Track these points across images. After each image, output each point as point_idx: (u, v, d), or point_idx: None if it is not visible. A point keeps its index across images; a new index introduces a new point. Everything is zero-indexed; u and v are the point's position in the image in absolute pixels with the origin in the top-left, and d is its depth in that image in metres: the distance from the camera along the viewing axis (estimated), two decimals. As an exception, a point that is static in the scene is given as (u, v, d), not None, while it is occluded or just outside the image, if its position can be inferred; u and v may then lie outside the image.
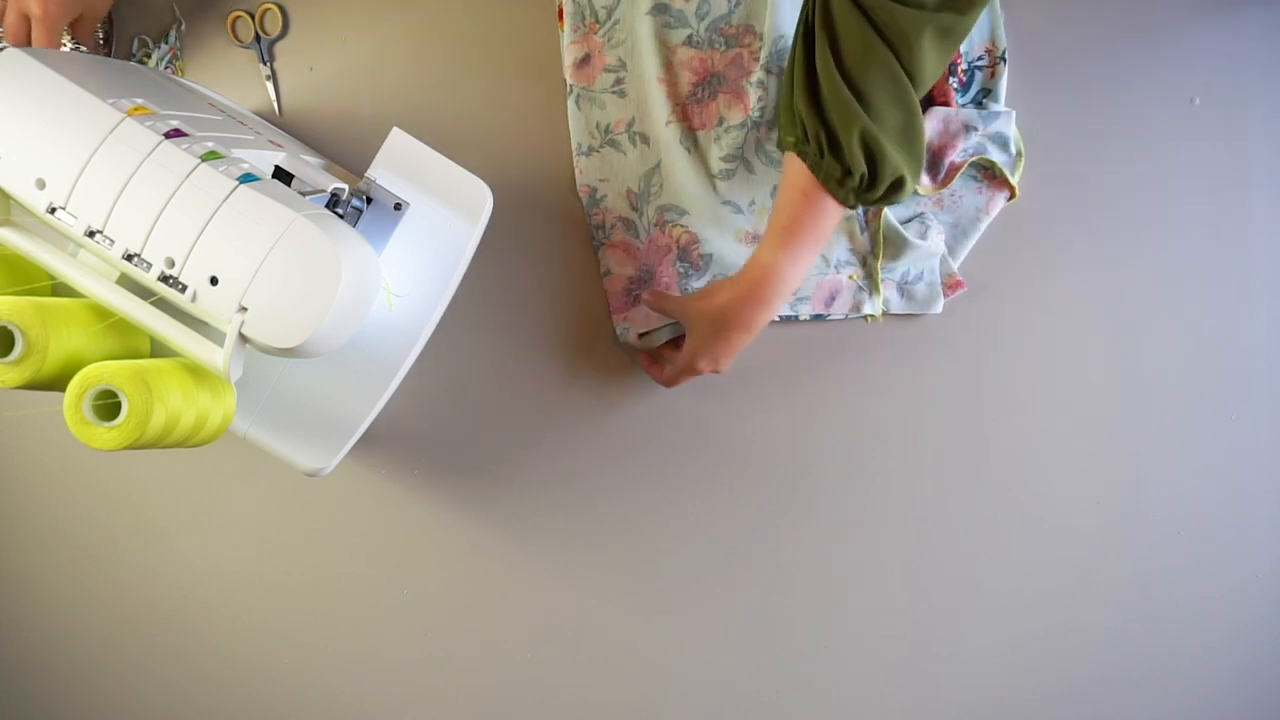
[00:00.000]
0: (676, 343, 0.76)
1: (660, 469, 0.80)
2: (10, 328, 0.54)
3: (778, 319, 0.77)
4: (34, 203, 0.53)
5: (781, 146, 0.65)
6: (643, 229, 0.78)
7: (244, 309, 0.52)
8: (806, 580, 0.79)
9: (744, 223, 0.78)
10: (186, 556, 0.83)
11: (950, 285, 0.76)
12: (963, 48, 0.75)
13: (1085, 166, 0.77)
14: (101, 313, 0.59)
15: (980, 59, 0.75)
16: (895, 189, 0.62)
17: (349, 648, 0.83)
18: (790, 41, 0.74)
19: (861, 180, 0.61)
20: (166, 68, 0.80)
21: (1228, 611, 0.78)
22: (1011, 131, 0.75)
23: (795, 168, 0.63)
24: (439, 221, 0.68)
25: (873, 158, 0.60)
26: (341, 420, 0.67)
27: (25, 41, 0.68)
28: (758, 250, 0.66)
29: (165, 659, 0.84)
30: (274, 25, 0.79)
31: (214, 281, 0.52)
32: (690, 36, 0.76)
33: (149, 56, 0.80)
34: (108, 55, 0.79)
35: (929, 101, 0.75)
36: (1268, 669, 0.78)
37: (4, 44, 0.78)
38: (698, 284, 0.77)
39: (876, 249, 0.76)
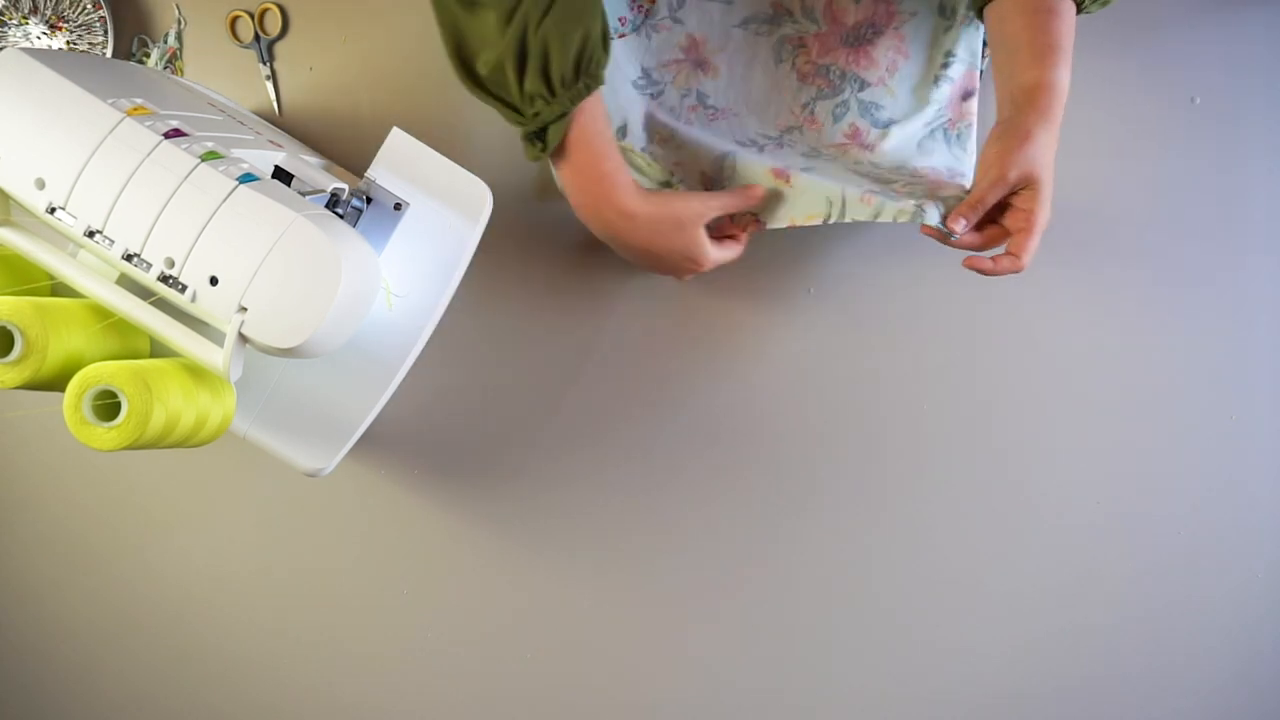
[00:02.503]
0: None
1: (661, 469, 0.79)
2: (10, 328, 0.54)
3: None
4: (34, 203, 0.53)
5: None
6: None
7: (244, 309, 0.52)
8: (807, 579, 0.79)
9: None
10: (187, 556, 0.83)
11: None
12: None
13: (1084, 165, 0.77)
14: (101, 313, 0.59)
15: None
16: None
17: (349, 647, 0.83)
18: None
19: None
20: (166, 68, 0.80)
21: (1228, 611, 0.78)
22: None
23: (1009, 3, 0.61)
24: (439, 221, 0.68)
25: None
26: (341, 420, 0.67)
27: None
28: (1009, 85, 0.62)
29: (165, 658, 0.84)
30: (274, 25, 0.79)
31: (214, 281, 0.52)
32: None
33: (149, 56, 0.80)
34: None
35: None
36: (1267, 668, 0.78)
37: (4, 44, 0.78)
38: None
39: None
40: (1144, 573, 0.78)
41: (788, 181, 0.70)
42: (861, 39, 0.74)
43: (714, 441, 0.79)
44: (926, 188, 0.68)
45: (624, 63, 0.75)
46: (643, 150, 0.75)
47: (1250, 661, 0.78)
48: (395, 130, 0.68)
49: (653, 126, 0.76)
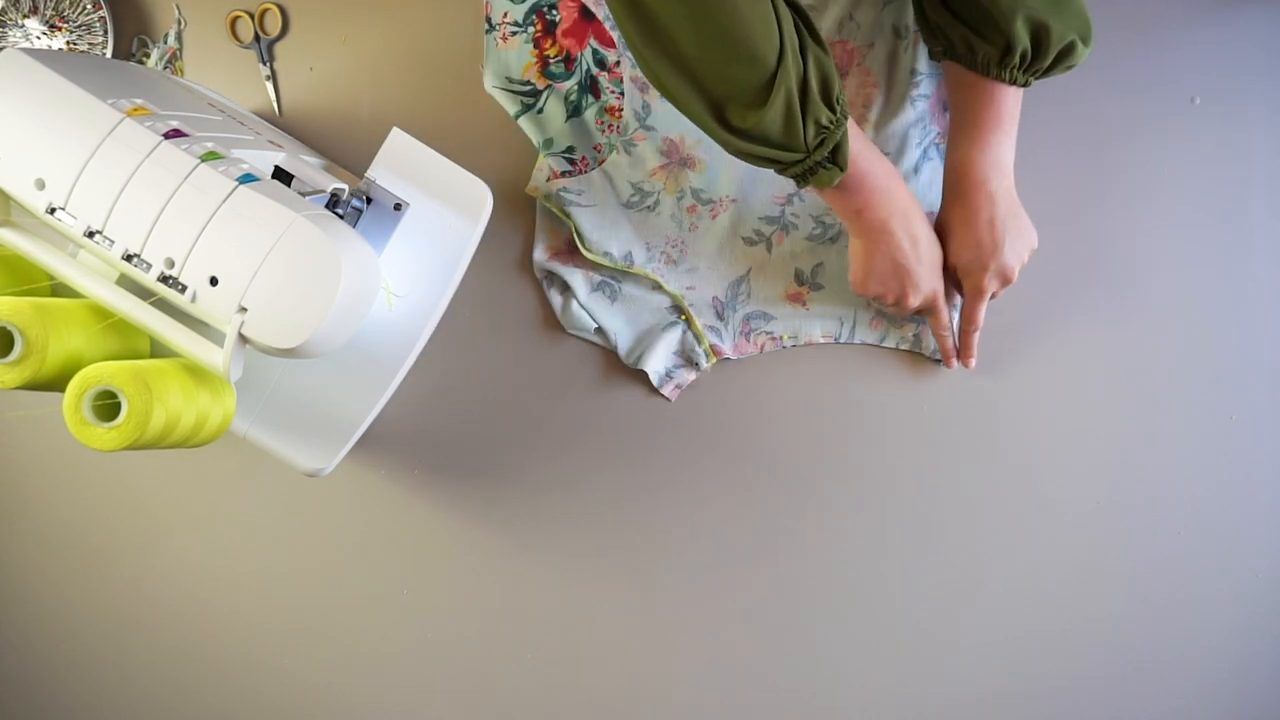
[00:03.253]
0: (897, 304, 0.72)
1: (661, 470, 0.79)
2: (10, 328, 0.54)
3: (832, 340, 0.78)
4: (34, 203, 0.53)
5: (934, 58, 0.70)
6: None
7: (244, 309, 0.52)
8: (807, 579, 0.79)
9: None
10: (187, 556, 0.83)
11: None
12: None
13: (1085, 166, 0.77)
14: (101, 313, 0.59)
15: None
16: (1066, 55, 0.63)
17: (349, 647, 0.83)
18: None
19: (1024, 56, 0.62)
20: (166, 68, 0.80)
21: (1227, 611, 0.78)
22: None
23: (953, 69, 0.67)
24: (439, 222, 0.68)
25: (1036, 31, 0.61)
26: (341, 420, 0.67)
27: None
28: (949, 157, 0.69)
29: (166, 657, 0.84)
30: (274, 25, 0.79)
31: (214, 282, 0.52)
32: None
33: (149, 56, 0.80)
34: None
35: None
36: (1267, 668, 0.78)
37: (4, 44, 0.78)
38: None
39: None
40: (1144, 572, 0.78)
41: (804, 305, 0.77)
42: None
43: (715, 441, 0.79)
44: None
45: (614, 186, 0.77)
46: (654, 272, 0.78)
47: (1250, 661, 0.78)
48: (395, 130, 0.68)
49: (657, 247, 0.78)
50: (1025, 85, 0.65)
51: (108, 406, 0.54)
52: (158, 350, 0.65)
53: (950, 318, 0.74)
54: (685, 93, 0.58)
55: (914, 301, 0.70)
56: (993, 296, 0.72)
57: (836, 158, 0.61)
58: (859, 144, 0.63)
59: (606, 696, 0.81)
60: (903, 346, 0.77)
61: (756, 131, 0.58)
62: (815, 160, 0.61)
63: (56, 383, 0.56)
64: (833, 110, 0.59)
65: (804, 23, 0.59)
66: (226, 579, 0.83)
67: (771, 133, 0.58)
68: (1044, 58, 0.62)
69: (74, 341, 0.57)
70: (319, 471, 0.67)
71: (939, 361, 0.77)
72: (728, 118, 0.59)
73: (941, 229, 0.71)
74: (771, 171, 0.77)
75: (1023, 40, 0.61)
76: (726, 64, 0.56)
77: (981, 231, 0.68)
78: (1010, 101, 0.66)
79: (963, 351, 0.75)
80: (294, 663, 0.83)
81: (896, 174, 0.67)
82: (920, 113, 0.74)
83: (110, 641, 0.84)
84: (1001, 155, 0.67)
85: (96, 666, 0.85)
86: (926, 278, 0.70)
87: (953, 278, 0.73)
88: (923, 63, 0.73)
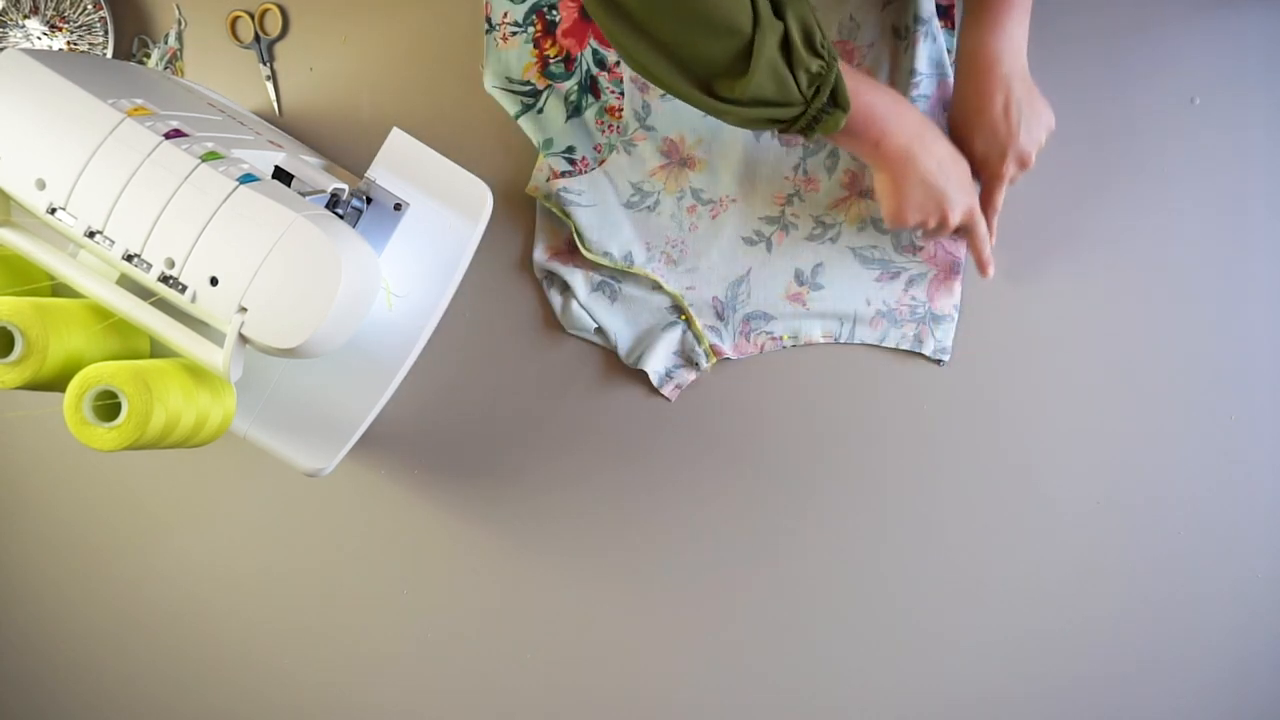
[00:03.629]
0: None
1: (661, 470, 0.79)
2: (10, 328, 0.54)
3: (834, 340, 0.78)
4: (34, 203, 0.53)
5: None
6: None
7: (244, 309, 0.52)
8: (807, 579, 0.79)
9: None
10: (187, 556, 0.83)
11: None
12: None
13: (1085, 166, 0.77)
14: (101, 313, 0.59)
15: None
16: None
17: (348, 647, 0.83)
18: None
19: None
20: (166, 68, 0.80)
21: (1227, 611, 0.78)
22: None
23: None
24: (439, 222, 0.68)
25: None
26: (341, 420, 0.67)
27: None
28: (961, 42, 0.68)
29: (166, 657, 0.84)
30: (274, 25, 0.79)
31: (214, 282, 0.52)
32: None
33: (149, 56, 0.80)
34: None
35: None
36: (1266, 667, 0.78)
37: (4, 44, 0.78)
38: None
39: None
40: (1144, 572, 0.78)
41: (804, 305, 0.77)
42: None
43: (715, 441, 0.79)
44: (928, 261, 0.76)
45: (614, 185, 0.77)
46: (654, 272, 0.77)
47: (1250, 661, 0.78)
48: (395, 130, 0.68)
49: (658, 247, 0.78)
50: None
51: (108, 406, 0.54)
52: (158, 350, 0.65)
53: (986, 229, 0.72)
54: (670, 76, 0.59)
55: (955, 219, 0.69)
56: (1011, 181, 0.71)
57: (837, 99, 0.61)
58: (855, 80, 0.63)
59: (606, 696, 0.81)
60: (903, 346, 0.77)
61: (748, 97, 0.58)
62: (817, 108, 0.61)
63: (56, 383, 0.56)
64: (820, 57, 0.59)
65: None
66: (226, 579, 0.83)
67: (764, 93, 0.58)
68: None
69: (74, 341, 0.57)
70: (319, 471, 0.67)
71: (939, 362, 0.77)
72: (717, 91, 0.59)
73: (956, 118, 0.71)
74: (774, 168, 0.77)
75: None
76: (701, 40, 0.56)
77: (997, 118, 0.67)
78: None
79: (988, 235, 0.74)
80: (294, 663, 0.83)
81: (901, 98, 0.66)
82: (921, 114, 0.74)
83: (110, 641, 0.84)
84: (1015, 37, 0.66)
85: (96, 666, 0.85)
86: (960, 193, 0.68)
87: (970, 166, 0.71)
88: (923, 62, 0.73)
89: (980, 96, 0.68)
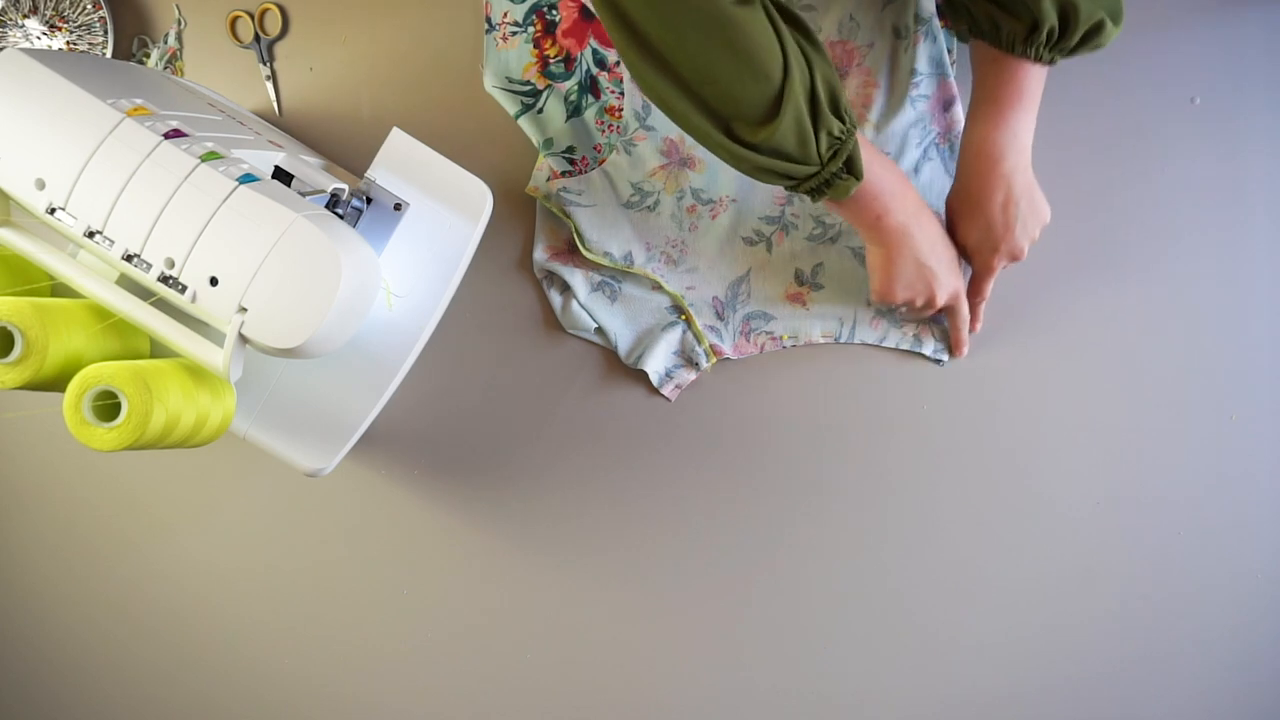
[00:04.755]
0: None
1: (661, 470, 0.79)
2: (10, 328, 0.54)
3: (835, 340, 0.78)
4: (34, 203, 0.53)
5: (960, 39, 0.69)
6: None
7: (244, 309, 0.52)
8: (807, 579, 0.79)
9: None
10: (187, 556, 0.83)
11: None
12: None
13: (1085, 166, 0.77)
14: (101, 313, 0.59)
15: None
16: (1094, 34, 0.61)
17: (348, 646, 0.83)
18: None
19: (1051, 33, 0.61)
20: (166, 68, 0.80)
21: (1227, 611, 0.78)
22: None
23: (976, 45, 0.65)
24: (439, 222, 0.68)
25: (1064, 9, 0.59)
26: (341, 420, 0.67)
27: None
28: (966, 134, 0.68)
29: (166, 657, 0.84)
30: (274, 25, 0.79)
31: (214, 282, 0.52)
32: None
33: (149, 56, 0.80)
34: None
35: None
36: (1266, 667, 0.78)
37: (4, 44, 0.78)
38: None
39: None
40: (1144, 572, 0.78)
41: (804, 305, 0.77)
42: None
43: (715, 441, 0.79)
44: None
45: (614, 185, 0.77)
46: (654, 272, 0.78)
47: (1250, 661, 0.78)
48: (395, 130, 0.68)
49: (658, 247, 0.78)
50: (1051, 63, 0.64)
51: (108, 406, 0.54)
52: (158, 350, 0.65)
53: (968, 312, 0.74)
54: (690, 111, 0.58)
55: (941, 300, 0.70)
56: (1001, 268, 0.72)
57: (852, 168, 0.61)
58: (868, 152, 0.63)
59: (606, 696, 0.81)
60: (903, 346, 0.77)
61: (768, 146, 0.58)
62: (831, 172, 0.61)
63: (56, 383, 0.56)
64: (843, 121, 0.59)
65: (804, 34, 0.58)
66: (226, 579, 0.83)
67: (784, 146, 0.58)
68: (1071, 36, 0.61)
69: (74, 341, 0.57)
70: (319, 471, 0.67)
71: (939, 362, 0.77)
72: (737, 133, 0.58)
73: (954, 207, 0.71)
74: None
75: (1050, 18, 0.60)
76: (731, 83, 0.56)
77: (994, 212, 0.68)
78: (1033, 79, 0.64)
79: (973, 321, 0.75)
80: (294, 662, 0.83)
81: (905, 176, 0.67)
82: (920, 113, 0.74)
83: (110, 641, 0.84)
84: (1020, 133, 0.66)
85: (96, 666, 0.85)
86: (949, 275, 0.70)
87: (962, 252, 0.72)
88: (923, 62, 0.73)
89: (981, 191, 0.68)
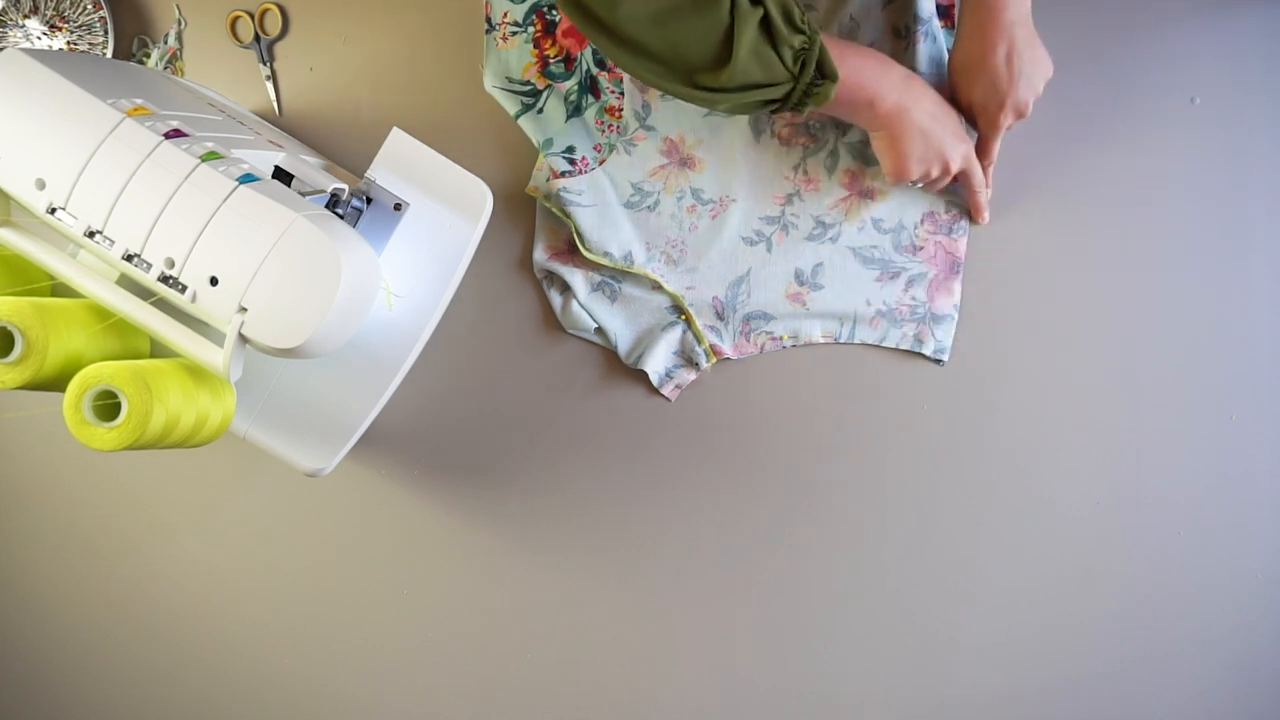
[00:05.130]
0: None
1: (661, 471, 0.79)
2: (10, 328, 0.54)
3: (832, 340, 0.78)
4: (34, 203, 0.53)
5: None
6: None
7: (244, 309, 0.52)
8: (807, 579, 0.79)
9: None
10: (187, 556, 0.83)
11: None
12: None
13: (1085, 166, 0.77)
14: (101, 313, 0.59)
15: None
16: None
17: (348, 646, 0.83)
18: None
19: None
20: (166, 68, 0.80)
21: (1227, 611, 0.78)
22: None
23: None
24: (439, 222, 0.68)
25: None
26: (341, 420, 0.67)
27: None
28: None
29: (166, 657, 0.84)
30: (274, 25, 0.79)
31: (214, 282, 0.52)
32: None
33: (149, 56, 0.80)
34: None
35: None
36: (1266, 667, 0.78)
37: (4, 44, 0.78)
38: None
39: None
40: (1144, 572, 0.78)
41: (804, 305, 0.77)
42: None
43: (715, 441, 0.79)
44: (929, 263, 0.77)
45: (614, 185, 0.77)
46: (654, 272, 0.77)
47: (1250, 661, 0.78)
48: (395, 130, 0.68)
49: (658, 247, 0.78)
50: None
51: (108, 406, 0.54)
52: (158, 350, 0.65)
53: (983, 175, 0.73)
54: (655, 75, 0.59)
55: (956, 165, 0.70)
56: (1008, 128, 0.71)
57: (824, 71, 0.61)
58: (838, 47, 0.63)
59: (606, 696, 0.81)
60: (903, 346, 0.77)
61: (734, 84, 0.59)
62: (805, 82, 0.61)
63: (56, 383, 0.56)
64: (802, 32, 0.59)
65: None
66: (226, 579, 0.83)
67: (752, 77, 0.59)
68: None
69: (74, 341, 0.57)
70: (319, 471, 0.67)
71: (939, 362, 0.77)
72: (701, 83, 0.59)
73: (957, 65, 0.70)
74: (774, 168, 0.76)
75: None
76: (678, 37, 0.57)
77: (998, 66, 0.67)
78: None
79: (984, 183, 0.74)
80: (294, 662, 0.83)
81: (883, 56, 0.67)
82: None
83: (110, 641, 0.84)
84: None
85: (96, 666, 0.85)
86: (957, 139, 0.69)
87: (967, 114, 0.72)
88: (923, 62, 0.73)
89: (984, 45, 0.67)
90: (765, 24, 0.58)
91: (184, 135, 0.55)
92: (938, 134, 0.68)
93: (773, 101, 0.62)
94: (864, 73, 0.64)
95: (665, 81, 0.60)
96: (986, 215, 0.75)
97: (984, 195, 0.74)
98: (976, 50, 0.68)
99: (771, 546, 0.79)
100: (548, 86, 0.76)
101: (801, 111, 0.64)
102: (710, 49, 0.57)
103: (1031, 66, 0.68)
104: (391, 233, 0.68)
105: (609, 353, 0.79)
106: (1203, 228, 0.76)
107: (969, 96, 0.70)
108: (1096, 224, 0.77)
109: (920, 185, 0.74)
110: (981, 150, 0.72)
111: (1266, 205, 0.76)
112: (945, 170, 0.70)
